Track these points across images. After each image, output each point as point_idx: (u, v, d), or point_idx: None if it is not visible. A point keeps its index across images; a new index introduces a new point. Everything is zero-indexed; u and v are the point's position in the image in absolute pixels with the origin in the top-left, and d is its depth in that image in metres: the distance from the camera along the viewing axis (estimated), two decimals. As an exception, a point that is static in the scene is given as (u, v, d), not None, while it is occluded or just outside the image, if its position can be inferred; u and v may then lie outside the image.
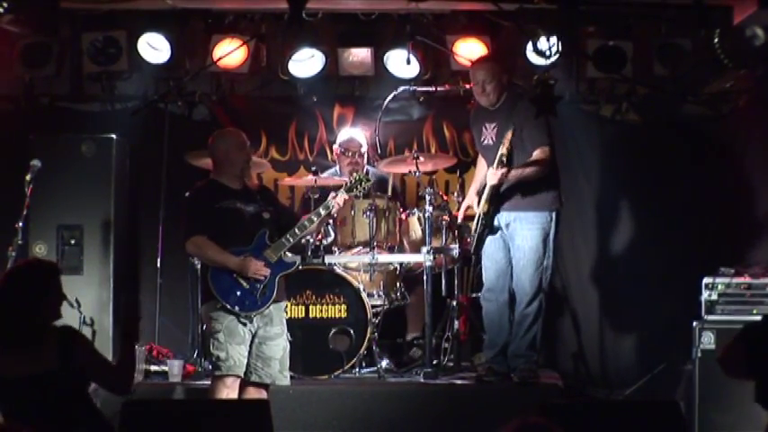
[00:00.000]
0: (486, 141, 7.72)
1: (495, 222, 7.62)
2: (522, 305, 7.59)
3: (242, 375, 6.92)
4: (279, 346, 7.03)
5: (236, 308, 6.88)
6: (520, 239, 7.57)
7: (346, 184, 7.30)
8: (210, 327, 6.95)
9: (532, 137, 7.51)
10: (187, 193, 7.34)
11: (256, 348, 6.97)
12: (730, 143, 8.61)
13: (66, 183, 8.25)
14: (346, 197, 7.29)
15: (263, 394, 6.99)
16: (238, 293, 6.90)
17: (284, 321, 7.12)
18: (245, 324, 6.92)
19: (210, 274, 6.96)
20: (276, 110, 9.07)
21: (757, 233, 8.51)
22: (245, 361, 6.93)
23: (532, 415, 4.19)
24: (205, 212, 6.96)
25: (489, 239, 7.66)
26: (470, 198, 7.90)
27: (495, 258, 7.69)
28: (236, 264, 6.91)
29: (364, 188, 7.45)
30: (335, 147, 8.64)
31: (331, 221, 7.89)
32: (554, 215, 7.63)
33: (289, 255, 7.07)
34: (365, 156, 8.54)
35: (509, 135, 7.43)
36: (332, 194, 7.26)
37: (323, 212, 7.15)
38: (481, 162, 7.92)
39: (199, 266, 7.52)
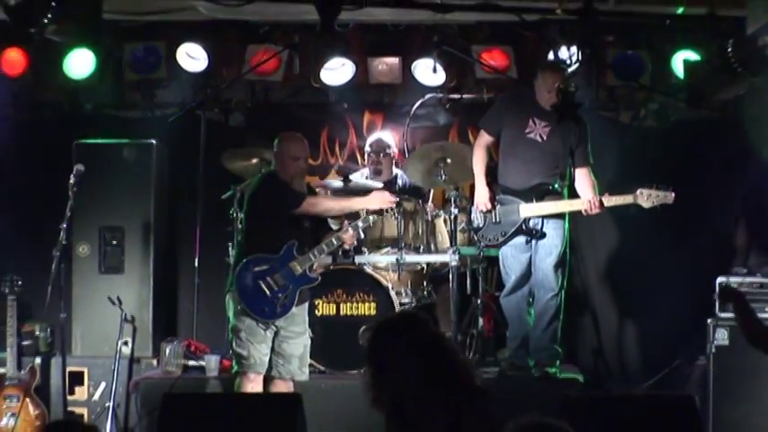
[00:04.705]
0: (532, 135, 7.70)
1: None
2: (544, 299, 7.66)
3: (263, 372, 7.06)
4: (299, 344, 7.18)
5: (255, 314, 7.01)
6: (546, 238, 7.69)
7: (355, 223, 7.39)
8: (234, 324, 7.04)
9: (584, 155, 7.67)
10: (263, 176, 7.37)
11: (278, 345, 7.12)
12: (745, 148, 8.57)
13: (108, 186, 8.37)
14: (352, 233, 7.32)
15: (289, 385, 7.14)
16: (259, 300, 7.02)
17: (306, 320, 7.25)
18: (266, 325, 7.06)
19: (237, 272, 7.02)
20: (308, 116, 9.11)
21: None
22: (267, 359, 7.05)
23: (554, 409, 4.34)
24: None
25: (515, 241, 7.74)
26: (484, 186, 7.78)
27: (519, 260, 7.77)
28: (365, 201, 7.23)
29: (371, 226, 7.59)
30: (366, 149, 8.69)
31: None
32: (569, 219, 7.79)
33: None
34: (392, 157, 8.57)
35: (614, 200, 7.56)
36: (345, 224, 7.33)
37: (335, 243, 7.21)
38: (484, 137, 7.90)
39: (232, 262, 7.56)
